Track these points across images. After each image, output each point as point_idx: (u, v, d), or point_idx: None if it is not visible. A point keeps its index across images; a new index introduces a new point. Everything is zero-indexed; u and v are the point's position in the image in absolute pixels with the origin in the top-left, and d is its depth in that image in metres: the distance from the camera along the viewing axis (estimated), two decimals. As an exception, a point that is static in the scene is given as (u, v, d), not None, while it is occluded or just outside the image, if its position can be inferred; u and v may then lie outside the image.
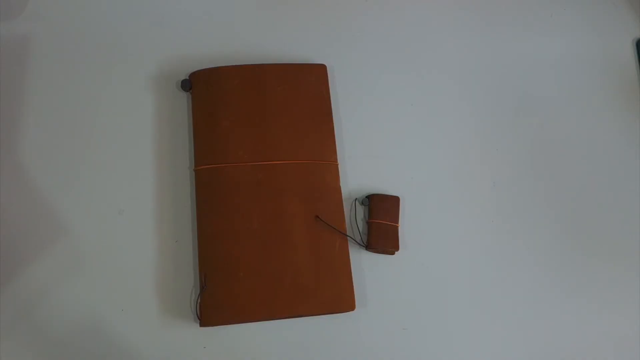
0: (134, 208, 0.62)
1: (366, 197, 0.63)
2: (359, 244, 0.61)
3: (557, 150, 0.67)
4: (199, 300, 0.57)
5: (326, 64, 0.67)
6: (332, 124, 0.65)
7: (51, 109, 0.64)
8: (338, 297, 0.58)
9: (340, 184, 0.63)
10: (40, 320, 0.59)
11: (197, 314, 0.57)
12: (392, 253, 0.61)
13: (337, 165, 0.64)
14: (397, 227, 0.62)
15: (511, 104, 0.68)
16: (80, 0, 0.69)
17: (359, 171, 0.66)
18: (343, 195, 0.63)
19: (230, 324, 0.57)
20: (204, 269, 0.58)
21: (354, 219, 0.63)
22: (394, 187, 0.65)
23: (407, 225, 0.64)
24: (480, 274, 0.63)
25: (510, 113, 0.68)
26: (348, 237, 0.61)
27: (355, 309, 0.59)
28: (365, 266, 0.62)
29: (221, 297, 0.57)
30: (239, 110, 0.63)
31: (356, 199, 0.64)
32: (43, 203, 0.61)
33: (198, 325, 0.57)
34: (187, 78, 0.66)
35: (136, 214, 0.62)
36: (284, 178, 0.62)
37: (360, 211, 0.64)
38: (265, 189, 0.61)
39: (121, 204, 0.62)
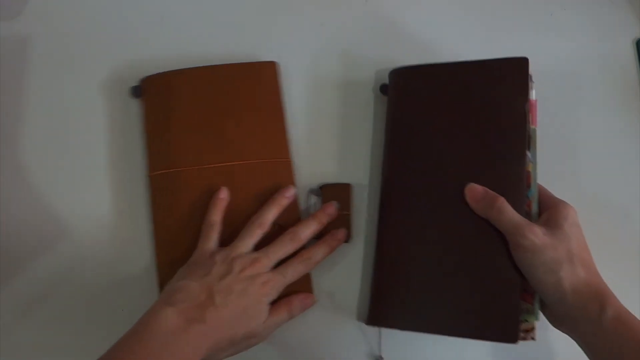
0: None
1: (319, 187, 0.63)
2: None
3: (556, 150, 0.66)
4: None
5: (280, 61, 0.67)
6: (284, 120, 0.65)
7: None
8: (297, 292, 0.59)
9: (296, 180, 0.63)
10: (40, 321, 0.60)
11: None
12: (346, 241, 0.61)
13: (291, 162, 0.64)
14: (348, 215, 0.62)
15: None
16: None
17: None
18: (300, 190, 0.63)
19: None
20: (162, 275, 0.60)
21: (312, 211, 0.63)
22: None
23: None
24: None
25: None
26: None
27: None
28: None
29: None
30: (189, 114, 0.64)
31: (310, 189, 0.64)
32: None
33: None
34: (138, 84, 0.66)
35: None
36: (238, 179, 0.62)
37: (319, 203, 0.64)
38: (221, 191, 0.61)
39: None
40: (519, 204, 0.55)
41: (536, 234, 0.51)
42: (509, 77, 0.58)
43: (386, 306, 0.57)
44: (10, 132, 0.65)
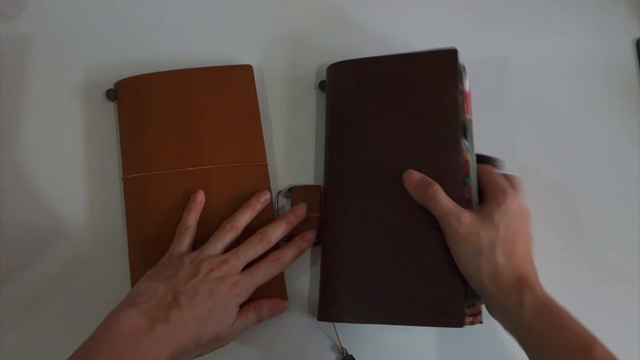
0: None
1: (288, 189, 0.64)
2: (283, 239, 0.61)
3: (556, 151, 0.67)
4: None
5: (258, 65, 0.67)
6: (260, 124, 0.65)
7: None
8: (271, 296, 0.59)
9: (271, 184, 0.64)
10: (40, 321, 0.60)
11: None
12: (316, 244, 0.62)
13: (267, 165, 0.64)
14: (317, 217, 0.62)
15: (510, 104, 0.68)
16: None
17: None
18: (275, 194, 0.64)
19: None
20: (135, 279, 0.60)
21: (282, 213, 0.63)
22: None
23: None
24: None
25: (509, 114, 0.68)
26: None
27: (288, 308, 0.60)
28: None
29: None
30: (164, 117, 0.64)
31: (280, 191, 0.65)
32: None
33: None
34: (113, 87, 0.66)
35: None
36: (212, 183, 0.62)
37: (288, 206, 0.64)
38: (195, 195, 0.62)
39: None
40: (455, 191, 0.55)
41: (461, 222, 0.52)
42: (439, 69, 0.59)
43: (334, 301, 0.58)
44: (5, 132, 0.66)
